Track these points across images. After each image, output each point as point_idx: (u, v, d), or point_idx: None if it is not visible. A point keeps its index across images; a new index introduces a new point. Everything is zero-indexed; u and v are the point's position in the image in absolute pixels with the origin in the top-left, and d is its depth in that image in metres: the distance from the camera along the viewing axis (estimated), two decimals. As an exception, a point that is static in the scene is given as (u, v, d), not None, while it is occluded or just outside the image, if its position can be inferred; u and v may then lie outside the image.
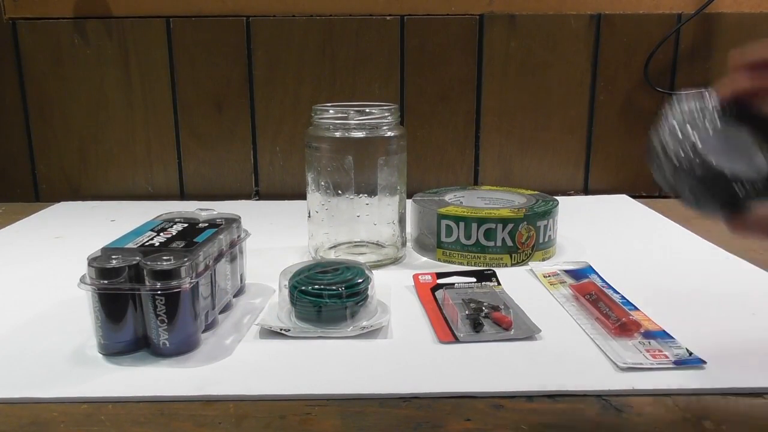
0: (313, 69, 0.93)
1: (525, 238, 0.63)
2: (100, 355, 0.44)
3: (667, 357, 0.43)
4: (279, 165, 0.96)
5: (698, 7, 0.90)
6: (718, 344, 0.46)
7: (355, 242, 0.65)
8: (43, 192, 0.97)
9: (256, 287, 0.58)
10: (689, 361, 0.43)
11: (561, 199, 0.70)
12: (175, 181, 0.97)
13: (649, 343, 0.45)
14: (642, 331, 0.47)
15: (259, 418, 0.38)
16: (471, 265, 0.63)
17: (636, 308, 0.51)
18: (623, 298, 0.54)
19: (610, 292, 0.55)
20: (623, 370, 0.42)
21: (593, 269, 0.60)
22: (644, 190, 0.97)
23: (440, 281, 0.58)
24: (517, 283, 0.58)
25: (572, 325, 0.49)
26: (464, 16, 0.91)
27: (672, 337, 0.46)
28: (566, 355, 0.44)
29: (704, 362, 0.43)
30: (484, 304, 0.51)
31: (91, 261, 0.43)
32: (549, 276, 0.60)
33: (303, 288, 0.48)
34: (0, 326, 0.50)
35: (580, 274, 0.59)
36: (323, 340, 0.47)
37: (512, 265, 0.63)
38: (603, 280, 0.58)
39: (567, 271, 0.60)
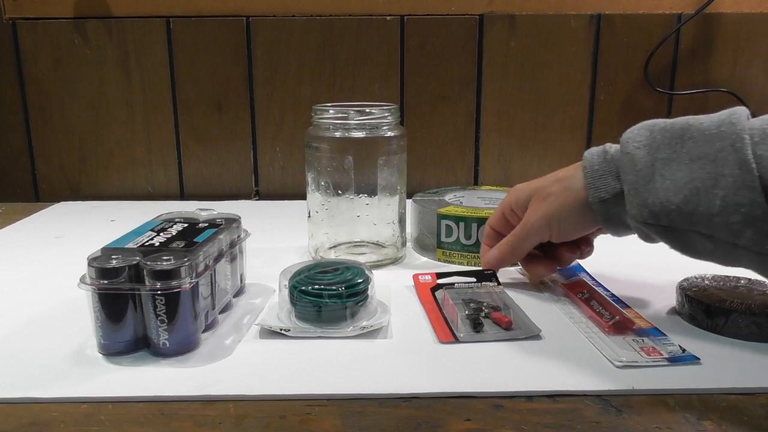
0: (313, 69, 0.93)
1: (525, 238, 0.62)
2: (100, 355, 0.44)
3: (661, 354, 0.43)
4: (279, 165, 0.96)
5: (698, 7, 0.90)
6: (717, 344, 0.46)
7: (355, 242, 0.65)
8: (43, 192, 0.97)
9: (256, 287, 0.58)
10: (684, 359, 0.43)
11: (561, 199, 0.69)
12: (175, 181, 0.97)
13: (643, 340, 0.45)
14: (635, 329, 0.47)
15: (259, 418, 0.38)
16: (471, 265, 0.63)
17: (627, 306, 0.51)
18: (613, 296, 0.54)
19: (600, 290, 0.55)
20: (619, 368, 0.42)
21: (582, 267, 0.60)
22: (644, 190, 0.97)
23: (440, 281, 0.58)
24: (517, 283, 0.58)
25: (572, 325, 0.49)
26: (464, 16, 0.91)
27: (664, 335, 0.46)
28: (566, 355, 0.44)
29: (698, 359, 0.43)
30: (484, 304, 0.51)
31: (91, 261, 0.43)
32: None
33: (303, 288, 0.48)
34: (0, 326, 0.50)
35: (569, 273, 0.59)
36: (323, 340, 0.47)
37: (512, 265, 0.63)
38: (592, 278, 0.58)
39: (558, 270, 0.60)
